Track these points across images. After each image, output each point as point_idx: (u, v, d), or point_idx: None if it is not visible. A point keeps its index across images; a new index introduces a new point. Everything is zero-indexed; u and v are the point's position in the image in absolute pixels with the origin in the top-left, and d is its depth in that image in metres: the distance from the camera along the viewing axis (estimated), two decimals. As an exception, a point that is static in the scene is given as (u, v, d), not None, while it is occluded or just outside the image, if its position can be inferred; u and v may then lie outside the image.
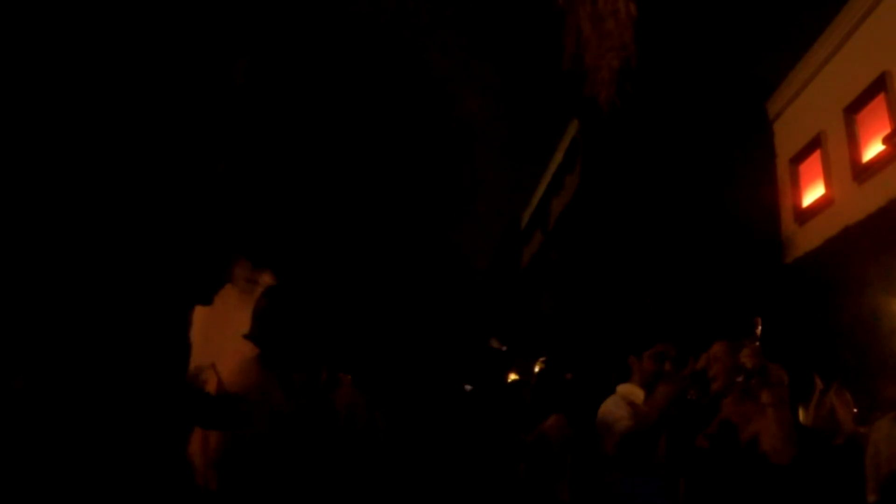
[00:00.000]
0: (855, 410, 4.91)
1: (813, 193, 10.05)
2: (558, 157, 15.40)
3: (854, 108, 9.00)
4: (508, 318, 16.28)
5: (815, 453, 3.08)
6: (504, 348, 11.80)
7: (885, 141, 8.16)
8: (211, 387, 2.17)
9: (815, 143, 9.98)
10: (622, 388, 3.50)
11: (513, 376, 6.11)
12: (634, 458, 3.04)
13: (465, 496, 2.55)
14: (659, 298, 9.72)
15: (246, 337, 2.51)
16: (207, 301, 2.03)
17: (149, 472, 1.85)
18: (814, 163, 10.12)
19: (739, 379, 2.67)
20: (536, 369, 6.70)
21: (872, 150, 8.59)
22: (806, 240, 9.89)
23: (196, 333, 2.20)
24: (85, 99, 1.63)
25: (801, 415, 4.81)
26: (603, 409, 3.40)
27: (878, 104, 8.49)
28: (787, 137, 11.03)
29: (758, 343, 2.73)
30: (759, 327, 2.86)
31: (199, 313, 2.11)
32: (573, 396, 5.00)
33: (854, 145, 8.96)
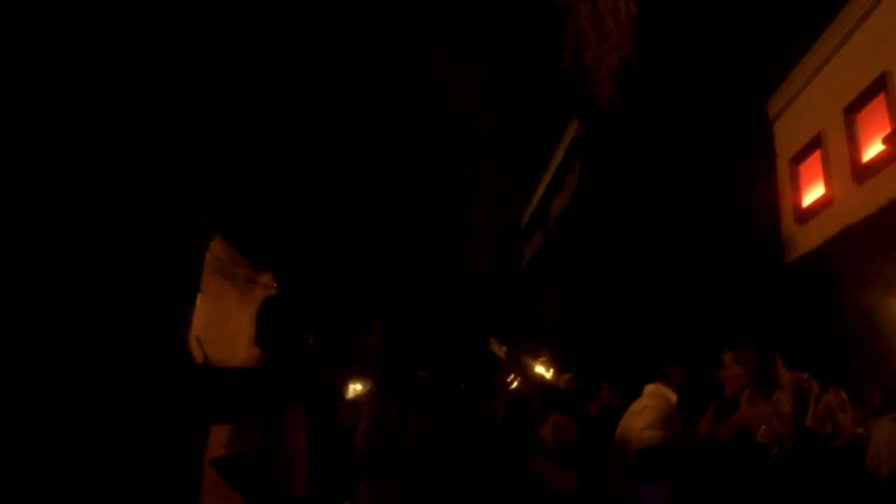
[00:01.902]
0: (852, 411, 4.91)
1: (813, 193, 10.05)
2: (558, 157, 15.40)
3: (854, 108, 9.00)
4: (508, 318, 16.27)
5: (815, 455, 3.08)
6: (504, 348, 11.79)
7: (885, 141, 8.16)
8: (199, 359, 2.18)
9: (815, 143, 9.98)
10: (652, 388, 3.48)
11: (512, 376, 6.12)
12: (653, 470, 3.03)
13: (465, 494, 2.56)
14: (659, 298, 9.71)
15: (256, 344, 2.54)
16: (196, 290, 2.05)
17: (148, 471, 1.85)
18: (814, 163, 10.12)
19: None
20: (536, 370, 6.71)
21: (872, 150, 8.59)
22: (806, 240, 9.88)
23: (197, 332, 2.20)
24: (85, 99, 1.63)
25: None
26: (640, 411, 3.36)
27: (878, 104, 8.48)
28: (787, 137, 11.02)
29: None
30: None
31: (200, 312, 2.12)
32: (575, 395, 5.04)
33: (854, 145, 8.96)
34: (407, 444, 2.39)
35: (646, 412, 3.32)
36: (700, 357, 3.52)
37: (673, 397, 3.41)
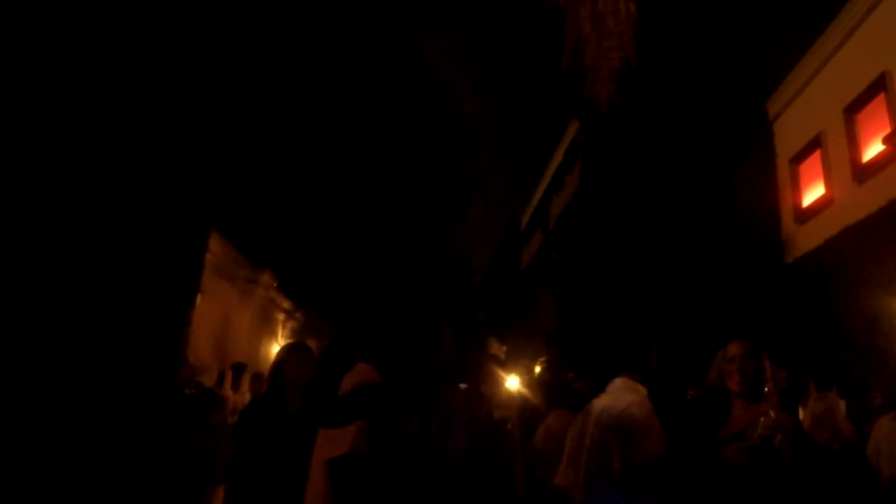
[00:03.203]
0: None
1: (813, 193, 10.05)
2: (558, 157, 15.40)
3: (854, 108, 9.00)
4: (508, 319, 16.27)
5: (813, 457, 3.06)
6: (504, 348, 11.79)
7: (885, 141, 8.16)
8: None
9: (815, 143, 9.98)
10: (623, 383, 3.39)
11: (511, 377, 6.11)
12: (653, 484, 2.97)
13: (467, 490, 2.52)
14: (659, 298, 9.72)
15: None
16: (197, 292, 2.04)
17: (145, 468, 1.86)
18: (814, 163, 10.12)
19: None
20: (537, 369, 6.70)
21: (872, 150, 8.59)
22: (806, 240, 9.88)
23: (197, 332, 2.20)
24: (87, 99, 1.64)
25: (801, 415, 4.80)
26: (632, 411, 3.23)
27: (878, 104, 8.48)
28: (787, 137, 11.02)
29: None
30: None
31: (200, 312, 2.12)
32: (575, 394, 5.00)
33: (854, 145, 8.96)
34: (426, 454, 2.32)
35: (640, 420, 3.17)
36: (653, 354, 3.49)
37: (642, 390, 3.33)
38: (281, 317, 15.50)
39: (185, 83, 1.78)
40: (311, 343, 4.64)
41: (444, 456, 2.35)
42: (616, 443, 3.16)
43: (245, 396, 7.69)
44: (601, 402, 3.34)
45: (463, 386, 3.33)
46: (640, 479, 3.01)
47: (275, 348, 13.39)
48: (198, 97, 1.85)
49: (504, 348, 12.03)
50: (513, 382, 5.72)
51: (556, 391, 4.75)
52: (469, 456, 2.42)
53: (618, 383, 3.39)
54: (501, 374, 6.03)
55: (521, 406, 4.99)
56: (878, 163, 8.34)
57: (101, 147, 1.64)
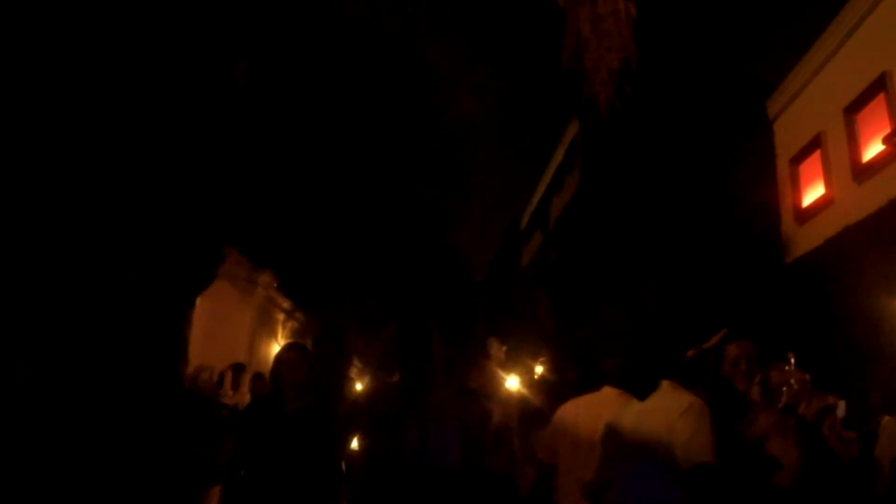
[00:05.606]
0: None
1: (813, 193, 10.05)
2: (558, 157, 15.40)
3: (854, 108, 9.00)
4: (508, 319, 16.27)
5: (819, 460, 3.05)
6: (504, 348, 11.78)
7: (885, 141, 8.16)
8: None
9: (815, 143, 9.98)
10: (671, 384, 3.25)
11: (511, 377, 6.11)
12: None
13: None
14: (659, 299, 9.72)
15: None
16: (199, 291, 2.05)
17: (145, 466, 1.86)
18: (814, 163, 10.12)
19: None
20: (537, 369, 6.70)
21: (872, 150, 8.59)
22: (806, 240, 9.88)
23: (197, 332, 2.20)
24: (87, 99, 1.64)
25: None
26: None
27: (878, 104, 8.48)
28: (787, 137, 11.02)
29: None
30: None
31: (200, 312, 2.13)
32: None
33: (854, 145, 8.96)
34: (425, 467, 2.29)
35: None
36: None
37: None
38: (281, 317, 15.51)
39: (186, 83, 1.79)
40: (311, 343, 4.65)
41: (440, 467, 2.33)
42: None
43: (245, 396, 7.70)
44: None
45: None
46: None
47: (275, 348, 13.40)
48: (198, 97, 1.85)
49: (504, 348, 12.02)
50: (513, 382, 5.71)
51: (557, 391, 4.75)
52: (465, 463, 2.41)
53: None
54: (501, 374, 6.02)
55: (522, 407, 4.98)
56: (878, 163, 8.34)
57: (101, 146, 1.65)
